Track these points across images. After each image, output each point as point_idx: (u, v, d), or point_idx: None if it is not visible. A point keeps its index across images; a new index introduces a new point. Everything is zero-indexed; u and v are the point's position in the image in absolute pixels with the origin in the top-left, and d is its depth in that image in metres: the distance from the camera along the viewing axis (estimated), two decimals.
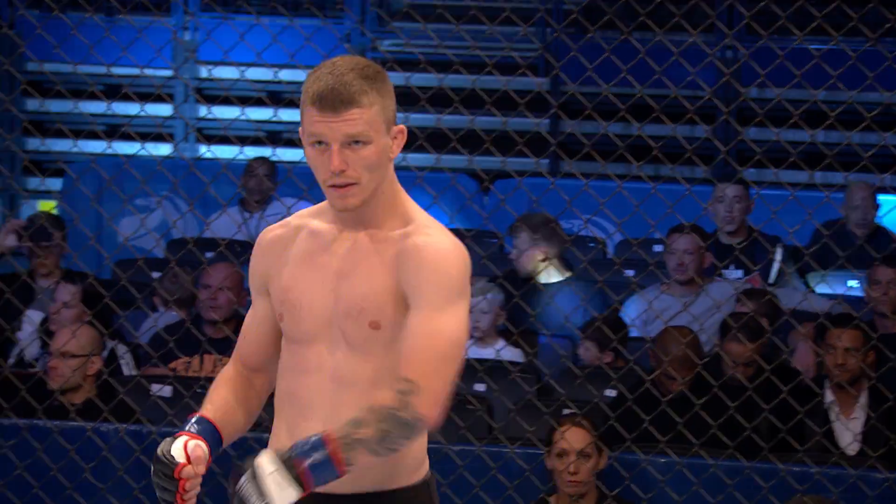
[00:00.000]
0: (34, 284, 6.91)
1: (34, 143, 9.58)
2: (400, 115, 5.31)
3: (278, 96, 9.14)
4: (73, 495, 5.45)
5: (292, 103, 5.50)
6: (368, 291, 3.06)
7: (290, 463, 2.90)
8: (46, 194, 9.00)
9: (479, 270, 7.27)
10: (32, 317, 6.72)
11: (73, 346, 5.81)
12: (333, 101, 2.99)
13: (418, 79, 5.67)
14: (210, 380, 3.28)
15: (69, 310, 6.41)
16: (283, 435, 3.10)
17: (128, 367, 6.53)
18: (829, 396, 5.87)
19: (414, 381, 2.96)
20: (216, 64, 8.60)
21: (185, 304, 6.90)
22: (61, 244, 6.88)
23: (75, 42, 5.43)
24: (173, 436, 3.03)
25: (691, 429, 5.31)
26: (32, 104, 9.76)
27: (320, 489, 2.93)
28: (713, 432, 5.29)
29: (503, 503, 5.38)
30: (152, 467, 2.98)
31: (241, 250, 6.81)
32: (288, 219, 3.20)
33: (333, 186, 3.03)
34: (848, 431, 5.79)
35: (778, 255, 6.95)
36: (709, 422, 5.27)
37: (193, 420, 3.06)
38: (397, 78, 5.92)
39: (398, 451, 2.96)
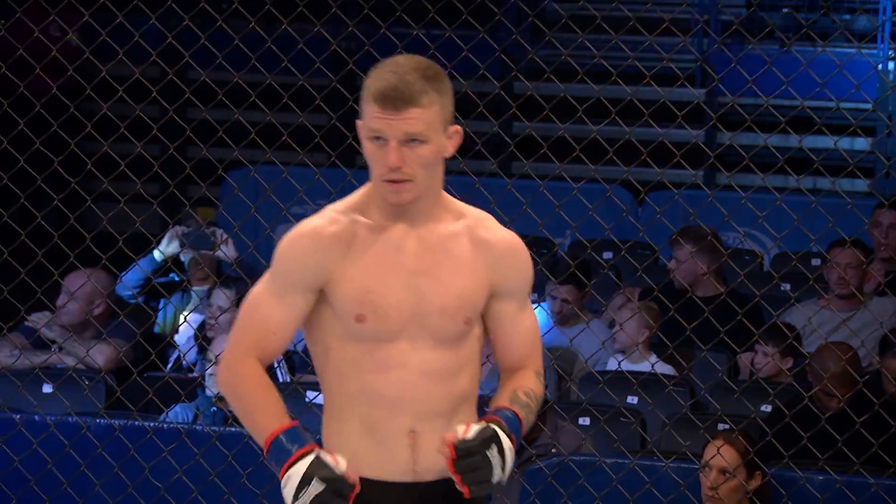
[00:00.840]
0: (190, 290, 7.03)
1: (195, 151, 9.74)
2: (555, 125, 5.30)
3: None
4: (231, 500, 5.52)
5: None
6: (462, 290, 3.20)
7: (510, 438, 3.13)
8: (206, 201, 9.14)
9: (634, 282, 7.24)
10: (190, 321, 6.84)
11: None
12: (395, 99, 3.08)
13: (575, 89, 5.64)
14: None
15: (225, 315, 6.50)
16: (358, 432, 3.18)
17: (282, 374, 6.60)
18: None
19: (540, 371, 3.28)
20: None
21: None
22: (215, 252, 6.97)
23: (236, 51, 5.50)
24: (301, 453, 3.06)
25: (851, 447, 5.22)
26: (194, 112, 9.92)
27: (412, 478, 3.17)
28: (874, 451, 5.19)
29: None
30: (317, 488, 3.02)
31: None
32: (333, 215, 3.20)
33: (389, 181, 3.12)
34: None
35: None
36: (870, 440, 5.17)
37: (298, 434, 3.10)
38: (554, 88, 5.94)
39: None
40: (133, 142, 5.78)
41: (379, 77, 3.13)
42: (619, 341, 6.56)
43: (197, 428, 5.62)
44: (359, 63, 5.88)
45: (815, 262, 7.67)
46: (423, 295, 3.18)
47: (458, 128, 3.17)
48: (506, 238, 3.26)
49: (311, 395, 6.04)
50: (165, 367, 6.54)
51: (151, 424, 5.62)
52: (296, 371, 6.69)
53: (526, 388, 3.25)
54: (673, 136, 5.61)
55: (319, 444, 3.17)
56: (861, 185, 8.01)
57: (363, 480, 3.12)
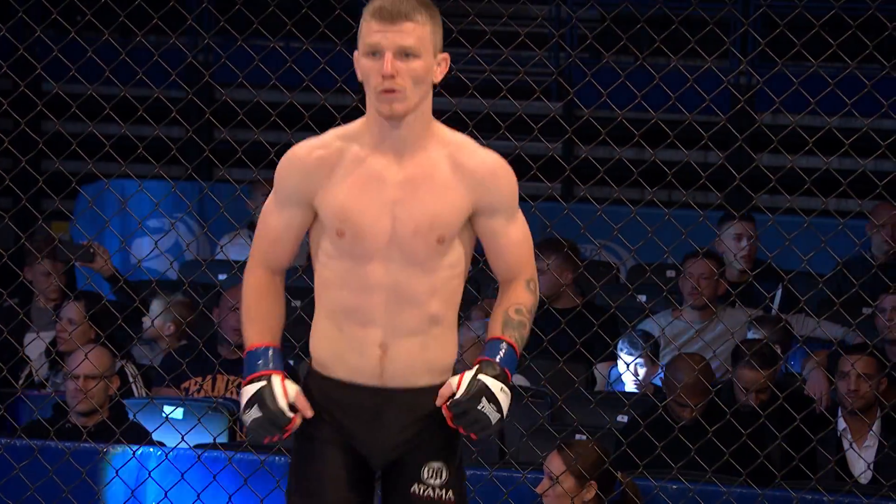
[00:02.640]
0: (38, 306, 6.92)
1: (48, 165, 9.62)
2: None
3: (293, 119, 9.16)
4: None
5: (307, 126, 5.50)
6: (436, 210, 3.48)
7: (503, 376, 3.49)
8: (60, 215, 9.02)
9: (491, 294, 7.28)
10: (43, 338, 6.73)
11: (90, 368, 5.81)
12: (392, 12, 3.41)
13: (433, 102, 5.66)
14: (224, 401, 3.31)
15: (76, 329, 6.40)
16: (336, 338, 3.53)
17: (138, 389, 6.53)
18: (841, 424, 5.85)
19: (533, 278, 3.59)
20: (230, 86, 8.63)
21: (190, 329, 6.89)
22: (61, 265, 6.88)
23: (91, 63, 5.44)
24: (258, 374, 3.46)
25: (704, 455, 5.29)
26: (47, 125, 9.79)
27: (378, 383, 3.52)
28: (726, 459, 5.27)
29: None
30: (255, 413, 3.41)
31: None
32: (324, 138, 3.55)
33: (383, 92, 3.41)
34: (861, 460, 5.77)
35: (778, 294, 6.95)
36: (721, 448, 5.25)
37: (265, 355, 3.51)
38: None
39: None
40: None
41: (376, 1, 3.45)
42: (475, 354, 6.58)
43: (50, 444, 5.53)
44: (215, 75, 5.85)
45: (670, 273, 7.78)
46: (398, 218, 3.49)
47: (447, 55, 3.48)
48: (485, 160, 3.52)
49: (167, 408, 5.98)
50: (16, 382, 6.43)
51: (2, 441, 5.52)
52: (152, 385, 6.62)
53: (517, 303, 3.56)
54: (530, 149, 5.65)
55: (291, 369, 3.38)
56: (713, 197, 8.15)
57: (337, 381, 3.53)
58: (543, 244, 6.78)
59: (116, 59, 5.41)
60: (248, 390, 3.47)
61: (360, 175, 3.50)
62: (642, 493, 5.35)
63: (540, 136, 5.43)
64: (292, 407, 3.49)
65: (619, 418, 6.11)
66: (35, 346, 6.77)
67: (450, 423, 3.46)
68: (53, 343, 6.61)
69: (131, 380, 6.51)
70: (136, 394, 6.47)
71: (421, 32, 3.43)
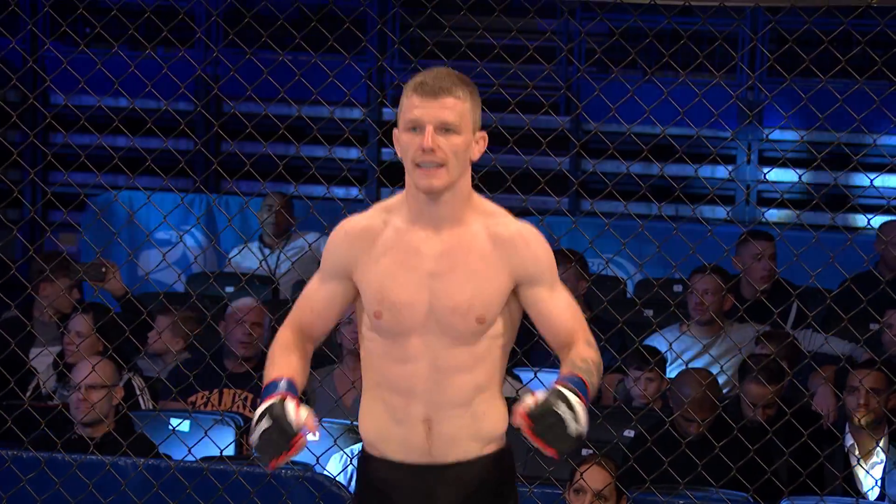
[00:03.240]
0: (41, 320, 6.92)
1: (57, 177, 9.63)
2: None
3: (301, 132, 9.17)
4: None
5: (315, 140, 5.50)
6: (475, 290, 3.48)
7: (579, 394, 3.36)
8: (68, 227, 9.03)
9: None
10: (51, 350, 6.73)
11: (93, 379, 5.82)
12: (434, 87, 3.43)
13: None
14: (231, 414, 3.32)
15: (84, 340, 6.40)
16: (382, 415, 3.53)
17: (145, 402, 6.53)
18: (849, 440, 5.84)
19: (590, 339, 3.51)
20: (239, 99, 8.63)
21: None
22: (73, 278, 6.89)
23: (99, 76, 5.45)
24: (273, 397, 3.40)
25: (711, 471, 5.28)
26: (56, 138, 9.80)
27: (428, 460, 3.51)
28: (733, 474, 5.26)
29: None
30: (266, 424, 3.35)
31: (259, 285, 6.79)
32: (369, 212, 3.56)
33: (420, 167, 3.42)
34: (869, 476, 5.76)
35: (793, 310, 6.94)
36: (728, 464, 5.24)
37: (284, 382, 3.46)
38: None
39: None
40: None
41: (419, 75, 3.47)
42: None
43: (56, 457, 5.53)
44: (223, 88, 5.86)
45: (678, 288, 7.77)
46: (435, 295, 3.48)
47: (485, 134, 3.50)
48: (520, 230, 3.52)
49: (174, 421, 5.98)
50: (24, 395, 6.43)
51: (10, 453, 5.51)
52: (159, 399, 6.62)
53: (581, 356, 3.47)
54: (538, 163, 5.65)
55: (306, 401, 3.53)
56: (721, 212, 8.14)
57: (387, 461, 3.54)
58: (560, 255, 6.77)
59: (125, 72, 5.42)
60: (261, 408, 3.44)
61: (398, 250, 3.51)
62: None
63: (548, 150, 5.43)
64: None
65: (626, 433, 6.10)
66: (41, 360, 6.77)
67: (527, 433, 3.34)
68: (61, 356, 6.60)
69: (138, 392, 6.51)
70: (142, 406, 6.47)
71: (461, 108, 3.44)
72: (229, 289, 7.36)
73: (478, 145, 3.49)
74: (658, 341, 6.75)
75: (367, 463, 3.60)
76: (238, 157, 5.69)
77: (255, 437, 3.41)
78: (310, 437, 3.43)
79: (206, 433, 5.54)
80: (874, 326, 6.81)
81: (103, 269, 6.59)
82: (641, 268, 5.61)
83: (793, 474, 5.56)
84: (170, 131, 5.69)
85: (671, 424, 5.63)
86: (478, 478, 3.54)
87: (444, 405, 3.49)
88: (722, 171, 8.17)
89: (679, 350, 6.54)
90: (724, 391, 6.40)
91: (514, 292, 3.54)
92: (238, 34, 5.40)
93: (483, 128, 5.45)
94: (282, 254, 8.14)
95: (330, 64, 5.44)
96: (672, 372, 6.58)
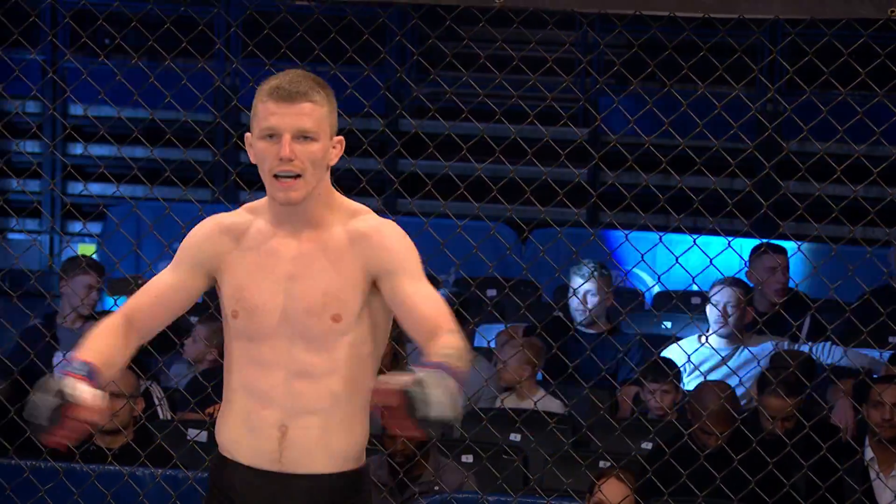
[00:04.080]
0: (64, 326, 6.93)
1: (76, 188, 9.66)
2: (440, 163, 5.32)
3: None
4: None
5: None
6: (329, 287, 3.35)
7: (442, 375, 3.10)
8: (87, 237, 9.05)
9: (518, 319, 7.28)
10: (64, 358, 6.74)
11: (115, 388, 5.82)
12: (290, 92, 3.31)
13: (459, 128, 5.67)
14: None
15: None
16: (238, 420, 3.41)
17: (163, 411, 6.53)
18: (869, 454, 5.82)
19: (455, 329, 3.26)
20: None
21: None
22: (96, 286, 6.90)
23: (119, 87, 5.46)
24: (57, 373, 3.21)
25: (729, 484, 5.27)
26: (75, 148, 9.83)
27: (277, 468, 3.36)
28: (751, 488, 5.24)
29: None
30: (39, 399, 3.15)
31: None
32: (240, 210, 3.46)
33: (278, 178, 3.31)
34: (888, 490, 5.74)
35: (806, 322, 6.93)
36: (747, 477, 5.23)
37: (78, 362, 3.25)
38: (438, 126, 5.96)
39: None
40: (11, 177, 5.70)
41: (273, 79, 3.36)
42: (504, 378, 6.59)
43: (75, 467, 5.54)
44: (243, 99, 5.86)
45: (696, 300, 7.75)
46: (291, 297, 3.37)
47: (342, 138, 3.37)
48: (377, 224, 3.40)
49: (192, 432, 5.98)
50: None
51: (29, 463, 5.53)
52: (177, 409, 6.63)
53: (446, 345, 3.22)
54: (556, 175, 5.64)
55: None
56: (740, 224, 8.13)
57: (238, 465, 3.40)
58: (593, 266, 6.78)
59: (145, 83, 5.44)
60: (42, 381, 3.22)
61: (259, 252, 3.40)
62: None
63: (567, 161, 5.43)
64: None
65: (644, 445, 6.09)
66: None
67: (385, 418, 3.08)
68: None
69: (157, 402, 6.51)
70: (161, 416, 6.47)
71: (319, 114, 3.33)
72: None
73: (335, 149, 3.38)
74: (676, 353, 6.74)
75: (218, 465, 3.47)
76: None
77: (30, 404, 3.19)
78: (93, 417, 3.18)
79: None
80: (894, 340, 6.79)
81: (140, 281, 6.60)
82: (660, 279, 5.59)
83: (811, 488, 5.54)
84: (189, 142, 5.70)
85: (689, 437, 5.61)
86: (327, 496, 3.39)
87: (298, 412, 3.36)
88: (741, 184, 8.15)
89: (697, 362, 6.53)
90: (742, 403, 6.38)
91: (378, 294, 3.37)
92: (257, 45, 5.41)
93: (500, 139, 5.46)
94: None
95: (349, 75, 5.45)
96: (690, 384, 6.56)
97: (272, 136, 3.32)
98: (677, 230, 5.60)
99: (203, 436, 5.91)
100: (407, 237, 3.41)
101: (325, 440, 3.38)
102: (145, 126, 5.77)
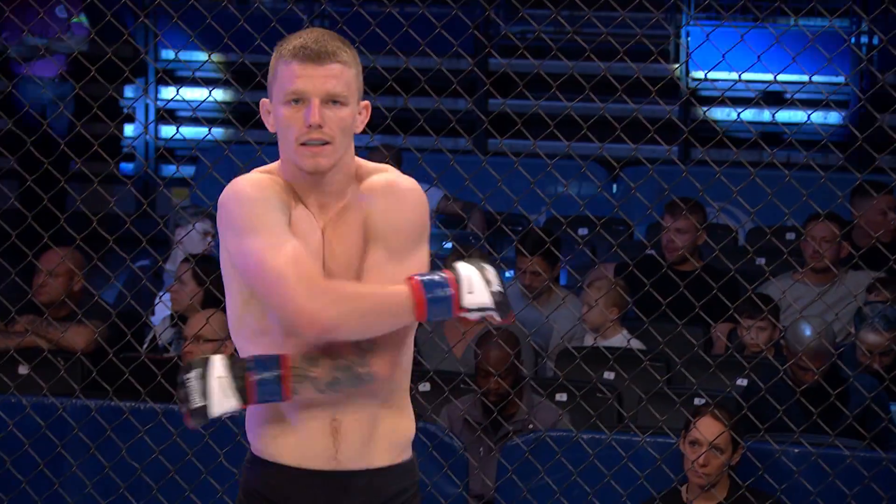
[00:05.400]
0: (167, 270, 7.01)
1: (168, 131, 9.73)
2: (530, 102, 5.30)
3: (410, 84, 9.19)
4: (209, 479, 5.52)
5: (423, 91, 5.50)
6: (354, 259, 3.02)
7: (240, 374, 2.94)
8: (180, 182, 9.13)
9: (609, 258, 7.25)
10: (166, 302, 6.81)
11: (206, 331, 5.89)
12: (318, 52, 2.98)
13: (549, 65, 5.63)
14: None
15: (188, 290, 6.46)
16: (277, 414, 3.06)
17: None
18: None
19: (375, 342, 2.97)
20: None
21: None
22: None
23: (209, 29, 5.48)
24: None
25: (826, 419, 5.24)
26: (167, 92, 9.89)
27: (333, 466, 3.04)
28: (849, 423, 5.21)
29: (634, 492, 5.34)
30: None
31: None
32: (264, 177, 3.05)
33: (306, 145, 2.98)
34: None
35: None
36: (845, 412, 5.19)
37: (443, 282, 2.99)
38: (527, 65, 5.93)
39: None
40: (106, 122, 5.75)
41: (293, 38, 3.03)
42: (589, 320, 6.58)
43: (173, 408, 5.61)
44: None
45: (790, 236, 7.68)
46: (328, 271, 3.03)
47: (368, 103, 3.08)
48: (388, 180, 3.07)
49: None
50: (142, 347, 6.52)
51: (128, 405, 5.61)
52: None
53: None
54: (647, 112, 5.60)
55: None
56: (835, 158, 8.04)
57: (284, 467, 3.07)
58: (672, 205, 6.73)
59: (234, 27, 5.45)
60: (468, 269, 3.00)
61: (296, 229, 3.02)
62: (763, 457, 5.31)
63: (657, 98, 5.38)
64: None
65: (739, 381, 6.06)
66: (160, 311, 6.86)
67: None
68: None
69: None
70: None
71: (348, 76, 3.01)
72: None
73: (361, 116, 3.06)
74: (771, 290, 6.69)
75: (255, 468, 3.11)
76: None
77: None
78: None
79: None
80: None
81: None
82: (753, 216, 5.54)
83: None
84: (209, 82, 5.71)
85: (784, 373, 5.58)
86: (388, 488, 3.11)
87: (351, 404, 3.04)
88: (835, 117, 8.05)
89: (793, 298, 6.47)
90: (840, 339, 6.33)
91: None
92: None
93: (590, 77, 5.43)
94: None
95: (437, 15, 5.43)
96: (786, 321, 6.51)
97: (298, 100, 2.99)
98: (770, 165, 5.53)
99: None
100: (416, 203, 3.06)
101: (382, 431, 3.08)
102: (236, 69, 5.79)
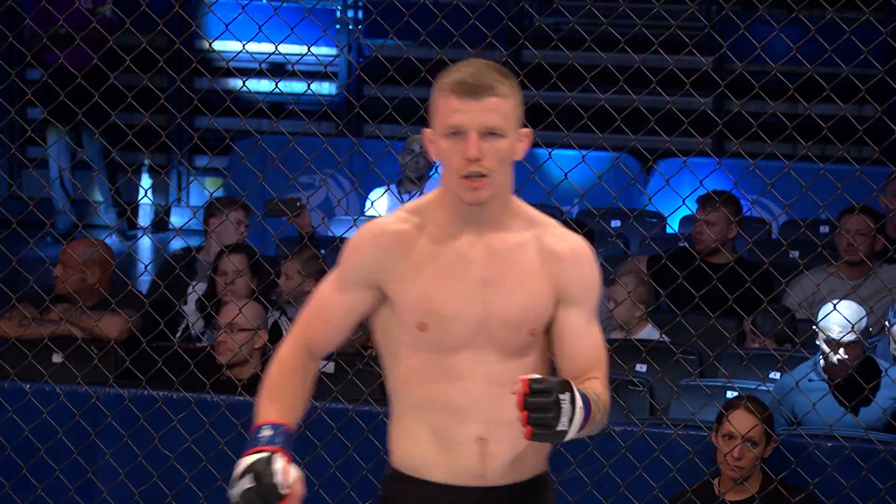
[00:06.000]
0: (201, 260, 7.02)
1: (202, 122, 9.76)
2: (563, 93, 5.29)
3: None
4: None
5: None
6: (527, 302, 3.19)
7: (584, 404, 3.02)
8: (214, 171, 9.15)
9: (642, 250, 7.24)
10: (199, 291, 6.83)
11: (240, 320, 5.90)
12: (475, 86, 3.09)
13: (583, 57, 5.62)
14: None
15: (234, 281, 6.48)
16: (427, 438, 3.21)
17: None
18: None
19: (607, 380, 3.21)
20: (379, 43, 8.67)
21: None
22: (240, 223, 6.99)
23: (243, 21, 5.49)
24: (262, 449, 3.05)
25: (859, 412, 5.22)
26: (202, 83, 9.92)
27: (480, 483, 3.20)
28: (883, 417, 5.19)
29: (667, 485, 5.34)
30: (248, 483, 3.00)
31: None
32: (401, 214, 3.23)
33: (466, 178, 3.11)
34: None
35: None
36: (878, 406, 5.17)
37: (276, 431, 3.10)
38: (561, 56, 5.91)
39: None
40: (140, 111, 5.77)
41: (454, 71, 3.15)
42: (616, 314, 6.57)
43: (205, 397, 5.63)
44: (366, 31, 5.86)
45: (824, 229, 7.66)
46: (487, 306, 3.19)
47: (528, 130, 3.19)
48: (573, 245, 3.24)
49: (321, 362, 6.03)
50: (175, 336, 6.54)
51: (161, 394, 5.63)
52: None
53: (595, 390, 3.14)
54: (681, 104, 5.58)
55: (292, 452, 3.11)
56: (869, 151, 8.00)
57: (428, 483, 3.21)
58: (706, 197, 6.71)
59: (269, 17, 5.45)
60: (245, 462, 3.05)
61: (442, 257, 3.19)
62: (797, 451, 5.30)
63: (691, 90, 5.37)
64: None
65: (772, 375, 6.04)
66: (192, 298, 6.87)
67: (519, 401, 2.97)
68: (207, 295, 6.69)
69: (285, 334, 6.57)
70: None
71: (506, 108, 3.12)
72: None
73: (521, 143, 3.17)
74: (805, 284, 6.67)
75: (402, 485, 3.26)
76: (380, 100, 5.70)
77: (235, 493, 3.03)
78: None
79: (351, 374, 5.59)
80: None
81: (298, 204, 6.69)
82: (787, 208, 5.52)
83: None
84: (310, 76, 5.72)
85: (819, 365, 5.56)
86: (531, 500, 3.26)
87: (498, 423, 3.17)
88: (870, 110, 8.01)
89: (827, 291, 6.44)
90: (874, 332, 6.30)
91: None
92: None
93: (624, 69, 5.42)
94: (421, 195, 8.17)
95: (471, 6, 5.43)
96: (821, 313, 6.49)
97: (457, 133, 3.11)
98: (805, 158, 5.51)
99: (331, 367, 5.96)
100: (596, 264, 3.26)
101: (526, 447, 3.20)
102: (270, 60, 5.80)
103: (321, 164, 8.21)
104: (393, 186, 8.12)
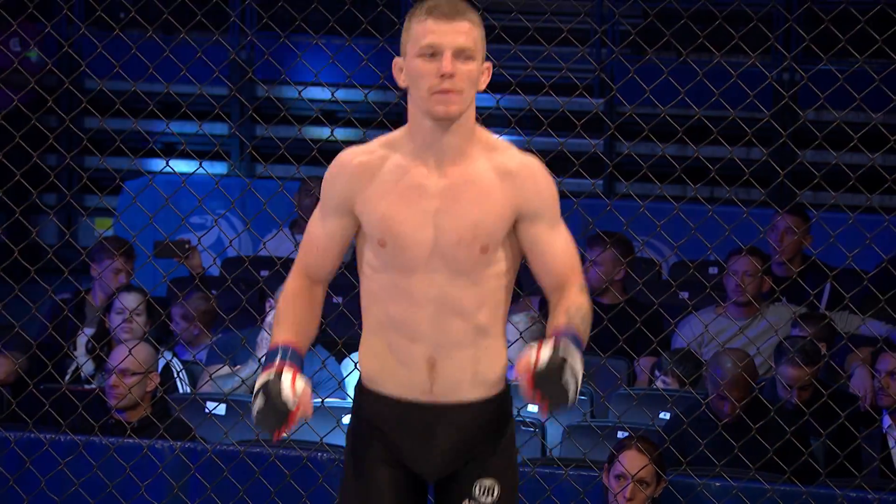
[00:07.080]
0: (90, 302, 6.95)
1: (92, 161, 9.67)
2: None
3: (335, 116, 9.17)
4: None
5: (349, 123, 5.50)
6: (478, 219, 3.41)
7: (579, 353, 3.33)
8: (104, 212, 9.06)
9: (536, 290, 7.26)
10: (88, 334, 6.75)
11: (131, 364, 5.84)
12: (449, 10, 3.37)
13: (475, 99, 5.66)
14: None
15: (128, 323, 6.40)
16: (384, 353, 3.48)
17: (182, 385, 6.55)
18: (886, 421, 5.81)
19: (583, 284, 3.47)
20: (273, 83, 8.65)
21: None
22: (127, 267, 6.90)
23: (134, 61, 5.46)
24: (272, 368, 3.35)
25: (747, 453, 5.27)
26: (91, 122, 9.83)
27: (428, 399, 3.47)
28: (769, 457, 5.25)
29: None
30: (260, 402, 3.30)
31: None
32: (369, 146, 3.49)
33: (438, 93, 3.34)
34: None
35: (826, 291, 6.91)
36: (765, 446, 5.23)
37: (283, 351, 3.41)
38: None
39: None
40: (29, 152, 5.71)
41: (427, 1, 3.40)
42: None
43: (94, 440, 5.56)
44: (257, 72, 5.86)
45: (713, 270, 7.74)
46: (440, 228, 3.42)
47: (490, 64, 3.41)
48: (527, 164, 3.45)
49: (210, 405, 6.00)
50: (63, 378, 6.46)
51: (48, 436, 5.55)
52: (196, 383, 6.64)
53: (575, 304, 3.42)
54: (572, 146, 5.64)
55: (301, 366, 3.40)
56: (757, 194, 8.11)
57: (385, 397, 3.49)
58: (596, 238, 6.76)
59: (160, 57, 5.43)
60: (260, 381, 3.38)
61: (401, 184, 3.44)
62: (685, 490, 5.34)
63: (582, 132, 5.42)
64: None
65: (662, 415, 6.09)
66: (81, 342, 6.79)
67: (529, 392, 3.28)
68: (95, 337, 6.61)
69: (176, 375, 6.52)
70: (180, 390, 6.49)
71: (476, 34, 3.39)
72: (264, 273, 7.37)
73: (483, 76, 3.41)
74: (693, 324, 6.74)
75: (364, 397, 3.55)
76: (273, 140, 5.69)
77: (252, 413, 3.35)
78: (305, 413, 3.35)
79: (242, 416, 5.55)
80: None
81: (187, 246, 6.65)
82: (676, 250, 5.58)
83: (830, 456, 5.54)
84: (205, 115, 5.70)
85: (707, 406, 5.61)
86: (479, 419, 3.50)
87: (448, 346, 3.45)
88: (757, 153, 8.14)
89: (715, 332, 6.52)
90: (761, 373, 6.38)
91: (514, 230, 3.47)
92: (272, 18, 5.40)
93: (516, 111, 5.45)
94: None
95: (364, 48, 5.44)
96: (707, 355, 6.56)
97: (433, 54, 3.35)
98: (694, 200, 5.57)
99: (221, 409, 5.93)
100: (551, 178, 3.48)
101: (475, 370, 3.47)
102: (161, 100, 5.77)
103: (214, 204, 8.19)
104: (285, 227, 8.09)
